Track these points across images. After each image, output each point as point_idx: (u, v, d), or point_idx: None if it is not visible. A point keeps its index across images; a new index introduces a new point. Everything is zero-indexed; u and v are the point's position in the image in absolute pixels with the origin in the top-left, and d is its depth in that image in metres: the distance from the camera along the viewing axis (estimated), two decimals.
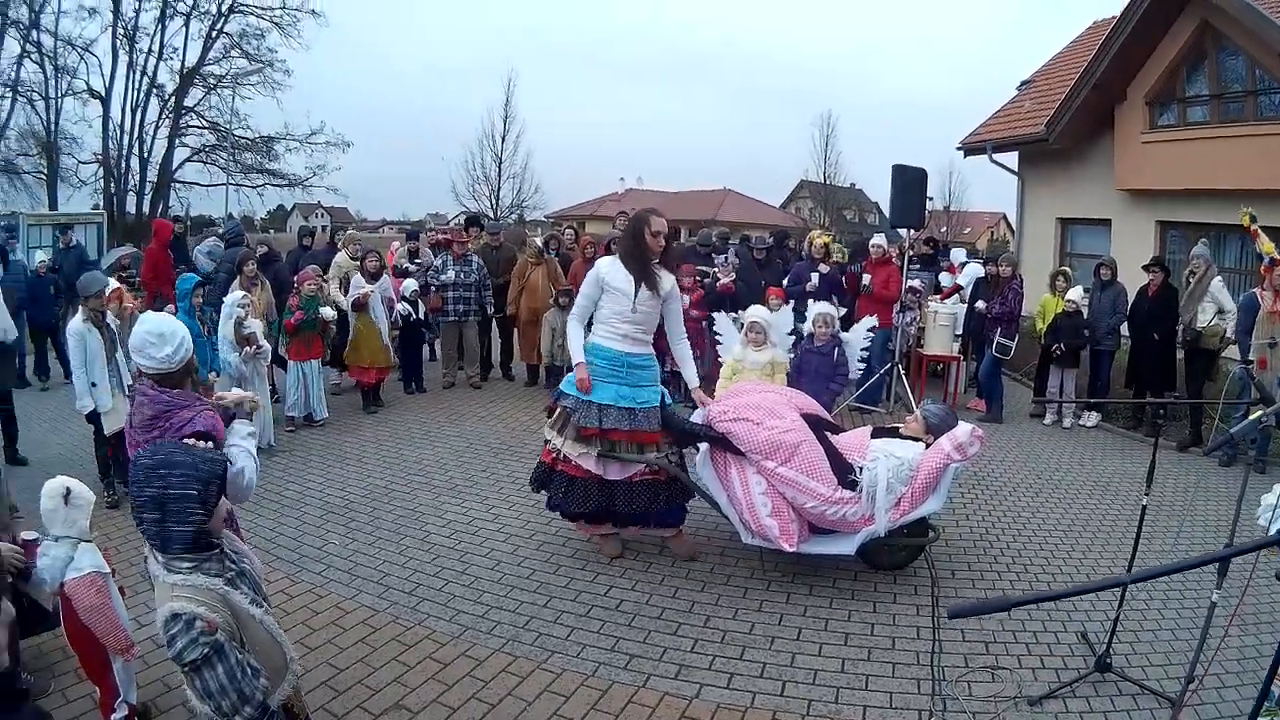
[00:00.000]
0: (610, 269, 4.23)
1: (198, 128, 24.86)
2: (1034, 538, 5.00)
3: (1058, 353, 7.78)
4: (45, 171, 22.63)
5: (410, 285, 8.12)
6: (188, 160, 24.90)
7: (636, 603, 3.99)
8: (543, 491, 4.53)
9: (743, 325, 6.07)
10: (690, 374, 4.50)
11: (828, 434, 4.30)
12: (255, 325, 6.13)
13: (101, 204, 22.64)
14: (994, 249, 22.54)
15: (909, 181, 7.88)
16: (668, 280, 4.28)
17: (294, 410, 6.90)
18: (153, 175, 24.15)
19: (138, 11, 22.64)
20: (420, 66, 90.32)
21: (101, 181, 23.45)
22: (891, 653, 3.58)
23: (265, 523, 4.84)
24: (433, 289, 8.35)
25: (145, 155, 23.94)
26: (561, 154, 70.90)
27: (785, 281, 8.03)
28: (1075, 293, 7.87)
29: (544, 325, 8.11)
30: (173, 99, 23.87)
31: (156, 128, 24.02)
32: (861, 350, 6.50)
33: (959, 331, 8.47)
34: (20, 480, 4.91)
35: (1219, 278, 7.18)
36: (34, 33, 21.39)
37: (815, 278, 7.95)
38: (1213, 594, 2.88)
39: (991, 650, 3.59)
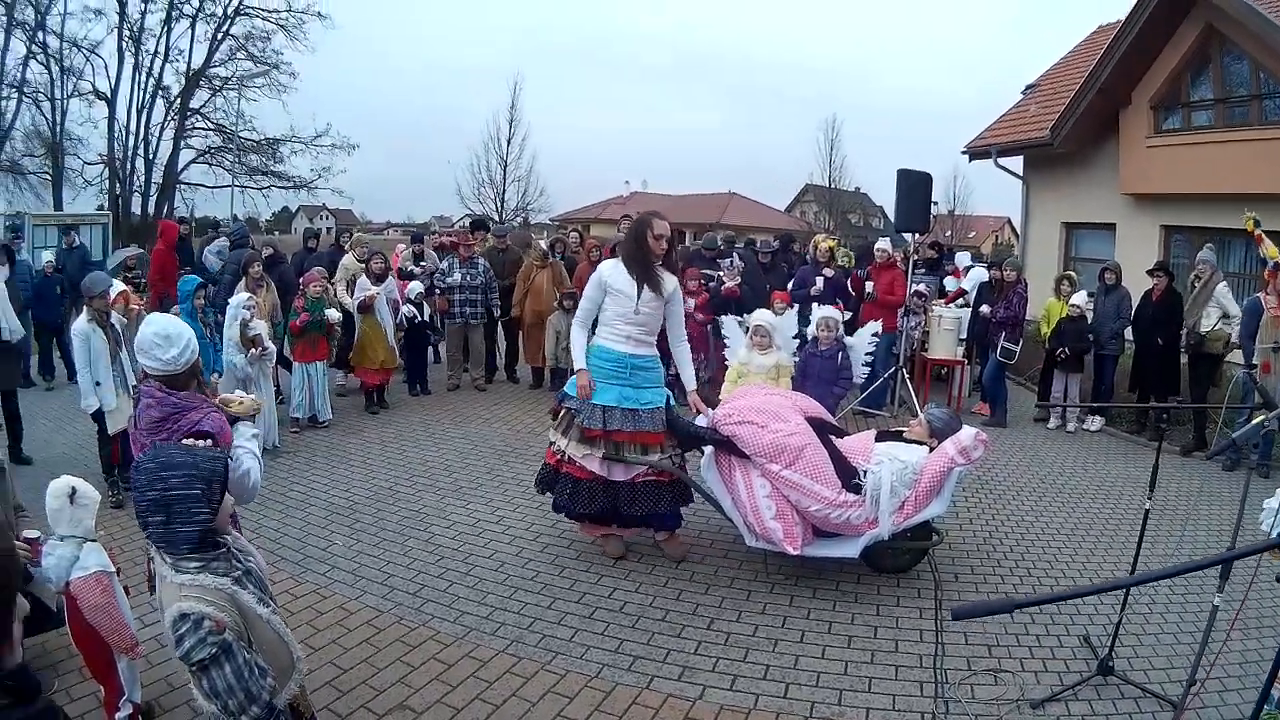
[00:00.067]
0: (613, 271, 4.24)
1: (203, 129, 25.04)
2: (1037, 542, 5.00)
3: (1062, 357, 7.77)
4: (50, 172, 22.76)
5: (415, 288, 8.14)
6: (193, 162, 25.10)
7: (640, 605, 3.99)
8: (547, 493, 4.54)
9: (748, 329, 6.09)
10: (688, 376, 4.51)
11: (832, 437, 4.31)
12: (260, 327, 6.15)
13: (106, 205, 22.73)
14: (999, 253, 22.50)
15: (913, 185, 7.89)
16: (670, 282, 4.30)
17: (299, 412, 6.92)
18: (158, 177, 24.34)
19: (144, 13, 22.86)
20: (421, 66, 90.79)
21: (106, 183, 23.58)
22: (894, 655, 3.58)
23: (270, 523, 4.86)
24: (438, 291, 8.38)
25: (150, 157, 24.11)
26: (566, 157, 71.30)
27: (790, 285, 8.04)
28: (1079, 297, 7.86)
29: (548, 328, 8.13)
30: (178, 101, 24.01)
31: (162, 129, 24.23)
32: (866, 354, 6.50)
33: (963, 335, 8.48)
34: (25, 479, 4.93)
35: (1224, 282, 7.17)
36: (40, 34, 21.54)
37: (820, 282, 7.97)
38: (1215, 597, 2.88)
39: (994, 653, 3.59)
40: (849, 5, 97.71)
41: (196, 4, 23.24)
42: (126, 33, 22.65)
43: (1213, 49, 9.79)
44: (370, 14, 78.30)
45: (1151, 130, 10.58)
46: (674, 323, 4.43)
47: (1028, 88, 14.45)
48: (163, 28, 23.10)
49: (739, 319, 6.74)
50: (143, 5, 22.63)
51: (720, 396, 5.23)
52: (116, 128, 23.23)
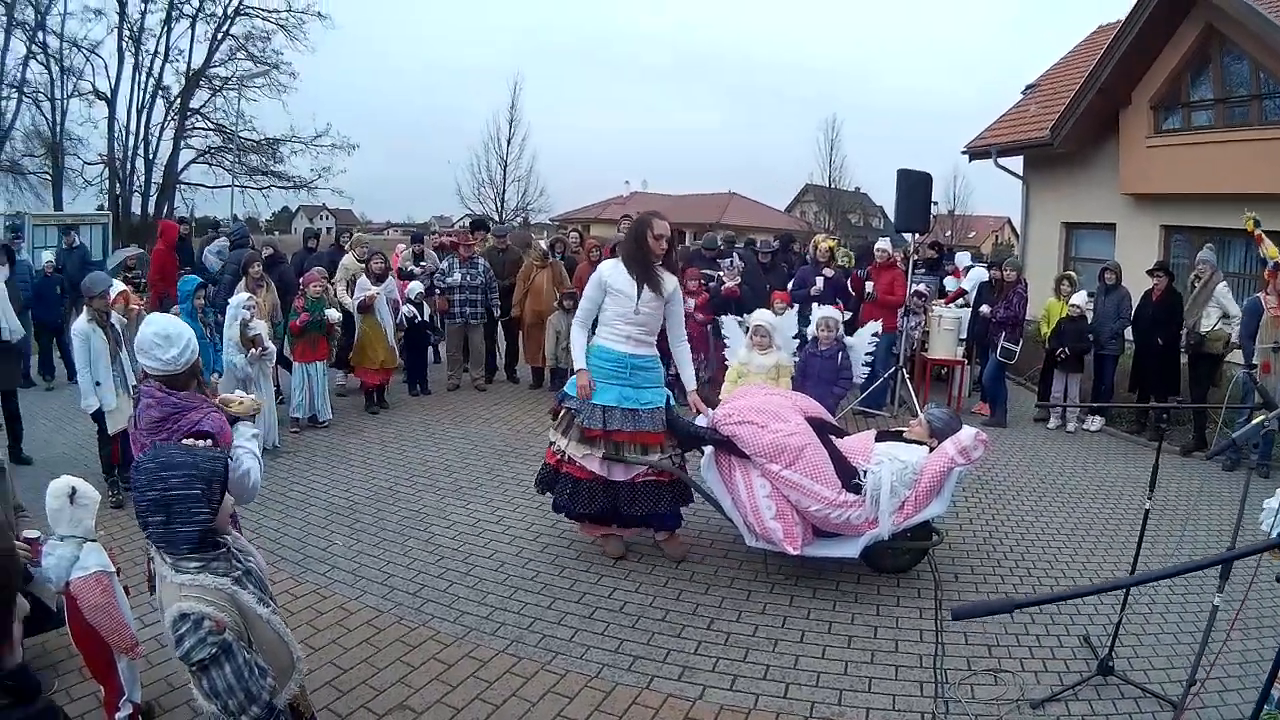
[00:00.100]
0: (612, 271, 4.25)
1: (203, 129, 25.04)
2: (1037, 542, 5.00)
3: (1062, 357, 7.77)
4: (50, 172, 22.76)
5: (415, 288, 8.14)
6: (193, 162, 25.09)
7: (640, 605, 3.99)
8: (547, 493, 4.54)
9: (748, 329, 6.09)
10: (688, 376, 4.51)
11: (832, 437, 4.31)
12: (260, 327, 6.15)
13: (106, 205, 22.74)
14: (999, 253, 22.50)
15: (913, 185, 7.89)
16: (670, 282, 4.30)
17: (299, 412, 6.92)
18: (158, 177, 24.35)
19: (143, 13, 22.86)
20: (421, 66, 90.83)
21: (106, 183, 23.58)
22: (894, 655, 3.58)
23: (270, 523, 4.86)
24: (438, 291, 8.38)
25: (150, 157, 24.12)
26: (566, 157, 71.32)
27: (790, 285, 8.04)
28: (1079, 297, 7.87)
29: (548, 328, 8.13)
30: (178, 101, 24.01)
31: (162, 129, 24.23)
32: (866, 354, 6.50)
33: (963, 335, 8.48)
34: (25, 479, 4.93)
35: (1224, 282, 7.17)
36: (40, 34, 21.54)
37: (820, 282, 7.97)
38: (1215, 597, 2.88)
39: (994, 653, 3.60)
40: (849, 5, 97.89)
41: (196, 4, 23.29)
42: (126, 33, 22.69)
43: (1213, 49, 9.79)
44: (370, 14, 78.44)
45: (1151, 130, 10.59)
46: (674, 323, 4.43)
47: (1028, 88, 14.45)
48: (163, 28, 23.15)
49: (739, 319, 6.74)
50: (143, 5, 22.69)
51: (720, 396, 5.23)
52: (116, 128, 23.28)
